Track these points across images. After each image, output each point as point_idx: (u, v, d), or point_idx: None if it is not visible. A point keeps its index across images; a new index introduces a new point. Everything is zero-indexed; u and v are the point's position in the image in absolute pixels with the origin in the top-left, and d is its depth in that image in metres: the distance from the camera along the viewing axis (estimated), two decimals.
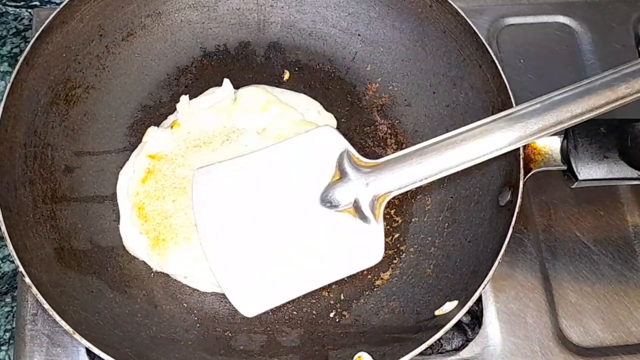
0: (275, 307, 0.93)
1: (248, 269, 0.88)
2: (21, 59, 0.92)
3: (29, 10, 1.16)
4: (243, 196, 0.90)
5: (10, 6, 1.17)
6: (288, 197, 0.90)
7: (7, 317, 0.98)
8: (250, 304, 0.88)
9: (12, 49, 1.14)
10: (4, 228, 0.84)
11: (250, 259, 0.89)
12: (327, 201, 0.90)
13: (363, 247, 0.90)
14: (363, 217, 0.89)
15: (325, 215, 0.89)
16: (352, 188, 0.89)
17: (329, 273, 0.90)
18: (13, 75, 0.90)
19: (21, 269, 0.82)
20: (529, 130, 0.84)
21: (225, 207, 0.90)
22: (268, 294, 0.89)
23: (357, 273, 0.95)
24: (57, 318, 0.80)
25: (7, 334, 0.97)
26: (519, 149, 0.88)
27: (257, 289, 0.88)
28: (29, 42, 0.94)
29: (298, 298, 0.94)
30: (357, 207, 0.89)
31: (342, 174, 0.90)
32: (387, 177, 0.88)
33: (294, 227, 0.90)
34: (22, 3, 1.17)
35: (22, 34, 1.15)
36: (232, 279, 0.88)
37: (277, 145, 0.93)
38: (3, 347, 0.96)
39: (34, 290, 0.81)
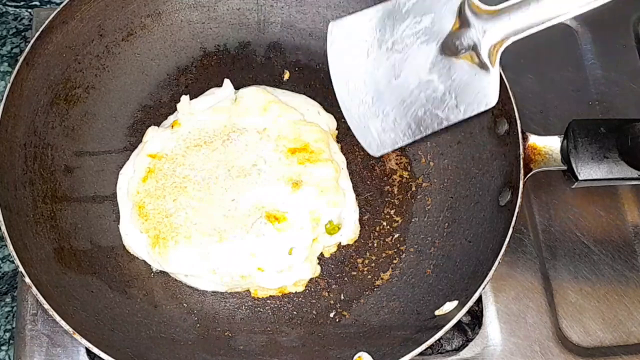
0: (275, 307, 0.93)
1: (374, 113, 0.90)
2: (21, 59, 0.91)
3: (29, 10, 1.16)
4: (370, 45, 0.91)
5: (10, 6, 1.17)
6: (410, 46, 0.91)
7: (7, 317, 0.98)
8: (376, 144, 0.90)
9: (12, 49, 1.14)
10: (4, 228, 0.84)
11: (375, 104, 0.91)
12: (447, 48, 0.90)
13: (479, 91, 0.91)
14: (481, 63, 0.89)
15: (445, 62, 0.90)
16: (472, 34, 0.89)
17: (447, 116, 0.91)
18: (13, 75, 0.90)
19: (21, 269, 0.82)
20: None
21: (354, 55, 0.91)
22: (393, 135, 0.90)
23: (357, 273, 0.95)
24: (57, 318, 0.80)
25: (7, 334, 0.97)
26: (519, 149, 0.89)
27: (381, 132, 0.90)
28: (29, 42, 0.94)
29: (298, 298, 0.94)
30: (475, 54, 0.89)
31: (461, 23, 0.90)
32: (505, 23, 0.88)
33: (415, 73, 0.91)
34: (22, 3, 1.17)
35: (22, 34, 1.15)
36: (359, 122, 0.90)
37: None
38: (3, 347, 0.96)
39: (34, 290, 0.81)
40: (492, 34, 0.89)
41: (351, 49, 0.92)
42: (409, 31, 0.92)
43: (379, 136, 0.91)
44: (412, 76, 0.91)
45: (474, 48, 0.89)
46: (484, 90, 0.90)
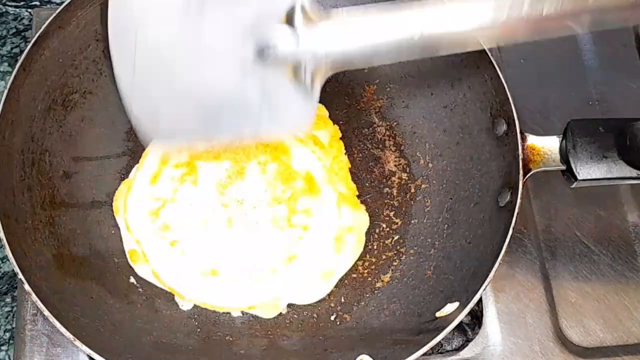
0: None
1: (167, 94, 0.79)
2: (17, 65, 0.91)
3: (29, 10, 1.16)
4: (165, 21, 0.77)
5: (10, 6, 1.17)
6: (221, 38, 0.76)
7: (7, 317, 0.98)
8: (151, 130, 0.81)
9: (12, 49, 1.14)
10: (2, 235, 0.83)
11: (172, 85, 0.78)
12: (262, 48, 0.76)
13: (292, 113, 0.81)
14: (302, 84, 0.78)
15: (262, 71, 0.77)
16: (298, 42, 0.76)
17: (256, 129, 0.81)
18: (10, 82, 0.90)
19: (20, 276, 0.82)
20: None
21: (144, 35, 0.77)
22: (175, 127, 0.81)
23: (357, 275, 0.95)
24: (58, 325, 0.80)
25: (7, 334, 0.97)
26: (517, 149, 0.88)
27: (165, 118, 0.80)
28: (29, 42, 0.94)
29: None
30: (297, 70, 0.77)
31: (289, 23, 0.76)
32: (338, 45, 0.76)
33: (225, 73, 0.77)
34: (22, 3, 1.17)
35: (22, 34, 1.15)
36: (141, 94, 0.80)
37: None
38: (3, 347, 0.97)
39: (34, 297, 0.81)
40: (320, 56, 0.76)
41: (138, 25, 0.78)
42: (221, 21, 0.76)
43: (159, 122, 0.80)
44: (222, 76, 0.77)
45: (297, 63, 0.77)
46: (298, 113, 0.80)
